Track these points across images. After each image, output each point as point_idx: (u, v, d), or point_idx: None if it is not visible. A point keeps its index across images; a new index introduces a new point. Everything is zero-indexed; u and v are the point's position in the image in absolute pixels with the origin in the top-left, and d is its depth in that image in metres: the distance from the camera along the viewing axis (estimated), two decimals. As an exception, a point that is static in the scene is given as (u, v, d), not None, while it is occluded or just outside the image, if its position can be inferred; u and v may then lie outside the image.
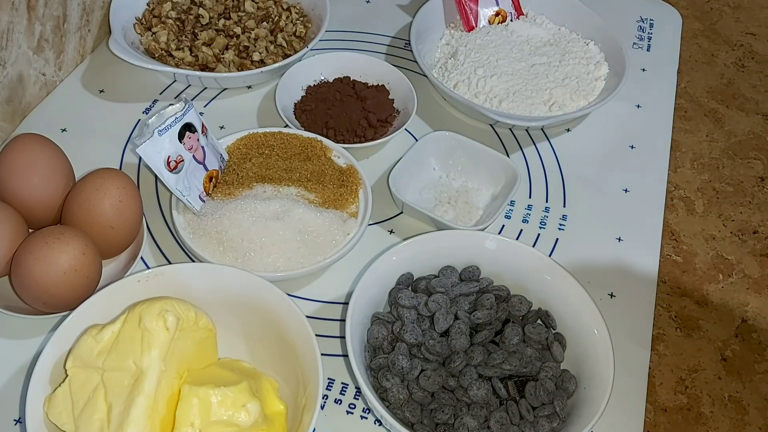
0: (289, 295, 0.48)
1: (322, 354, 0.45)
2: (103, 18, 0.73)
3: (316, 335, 0.46)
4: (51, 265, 0.48)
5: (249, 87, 0.71)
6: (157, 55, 0.69)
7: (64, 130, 0.65)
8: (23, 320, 0.51)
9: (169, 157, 0.54)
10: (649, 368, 0.54)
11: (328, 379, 0.51)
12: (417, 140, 0.65)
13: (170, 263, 0.57)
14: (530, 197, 0.65)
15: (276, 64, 0.68)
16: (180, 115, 0.54)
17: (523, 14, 0.78)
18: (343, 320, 0.53)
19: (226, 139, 0.62)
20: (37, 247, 0.48)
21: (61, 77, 0.69)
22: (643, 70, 0.79)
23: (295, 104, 0.68)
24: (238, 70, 0.69)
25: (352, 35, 0.79)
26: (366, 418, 0.50)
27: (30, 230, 0.52)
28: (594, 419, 0.44)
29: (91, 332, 0.43)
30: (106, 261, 0.54)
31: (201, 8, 0.73)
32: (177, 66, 0.68)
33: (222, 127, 0.67)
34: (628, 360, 0.53)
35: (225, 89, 0.71)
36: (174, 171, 0.54)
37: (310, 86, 0.70)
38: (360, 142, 0.65)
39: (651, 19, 0.85)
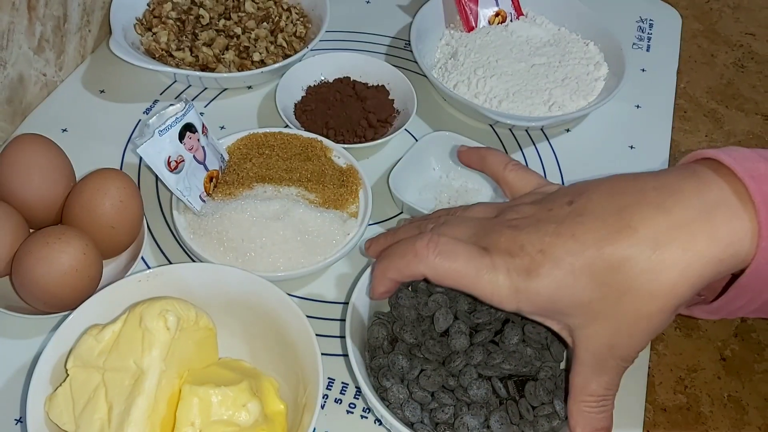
0: (289, 294, 0.48)
1: (322, 354, 0.45)
2: (104, 18, 0.73)
3: (316, 335, 0.46)
4: (52, 265, 0.48)
5: (249, 87, 0.71)
6: (157, 56, 0.69)
7: (64, 130, 0.65)
8: (24, 320, 0.51)
9: (169, 157, 0.54)
10: (649, 368, 0.54)
11: (328, 378, 0.52)
12: (417, 140, 0.65)
13: (171, 263, 0.57)
14: (530, 197, 0.65)
15: (276, 65, 0.68)
16: (180, 115, 0.55)
17: (522, 14, 0.78)
18: (343, 320, 0.53)
19: (227, 139, 0.62)
20: (38, 247, 0.48)
21: (61, 77, 0.69)
22: (643, 70, 0.79)
23: (296, 104, 0.68)
24: (239, 71, 0.69)
25: (352, 35, 0.79)
26: (366, 417, 0.50)
27: (31, 230, 0.52)
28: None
29: (92, 332, 0.44)
30: (107, 261, 0.54)
31: (201, 8, 0.73)
32: (177, 66, 0.68)
33: (222, 128, 0.67)
34: (627, 360, 0.53)
35: (225, 89, 0.71)
36: (174, 171, 0.55)
37: (310, 86, 0.70)
38: (360, 142, 0.65)
39: (651, 20, 0.85)
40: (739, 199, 0.38)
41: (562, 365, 0.49)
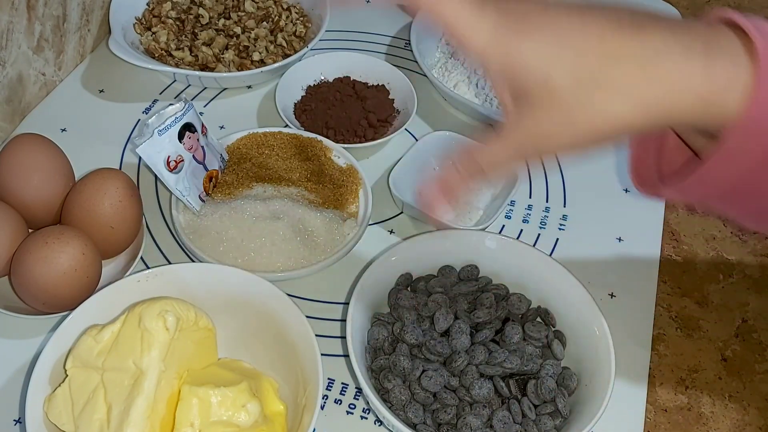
0: (289, 295, 0.48)
1: (322, 354, 0.45)
2: (103, 18, 0.73)
3: (316, 335, 0.46)
4: (51, 265, 0.48)
5: (249, 87, 0.71)
6: (157, 55, 0.69)
7: (63, 130, 0.65)
8: (23, 320, 0.50)
9: (168, 157, 0.54)
10: (650, 368, 0.54)
11: (328, 379, 0.51)
12: (417, 140, 0.65)
13: (170, 263, 0.56)
14: (530, 197, 0.65)
15: (276, 64, 0.68)
16: (180, 114, 0.54)
17: (523, 14, 0.78)
18: (343, 320, 0.53)
19: (226, 138, 0.62)
20: (37, 247, 0.48)
21: (60, 77, 0.69)
22: (643, 70, 0.79)
23: (295, 104, 0.68)
24: (238, 70, 0.69)
25: (352, 35, 0.79)
26: (366, 418, 0.50)
27: (30, 230, 0.52)
28: (596, 416, 0.44)
29: (91, 332, 0.43)
30: (106, 261, 0.54)
31: (201, 8, 0.73)
32: (177, 66, 0.68)
33: (222, 127, 0.67)
34: (628, 360, 0.52)
35: (225, 89, 0.71)
36: (174, 171, 0.54)
37: (310, 86, 0.70)
38: (360, 142, 0.64)
39: (651, 19, 0.85)
40: (747, 51, 0.35)
41: (563, 363, 0.49)
